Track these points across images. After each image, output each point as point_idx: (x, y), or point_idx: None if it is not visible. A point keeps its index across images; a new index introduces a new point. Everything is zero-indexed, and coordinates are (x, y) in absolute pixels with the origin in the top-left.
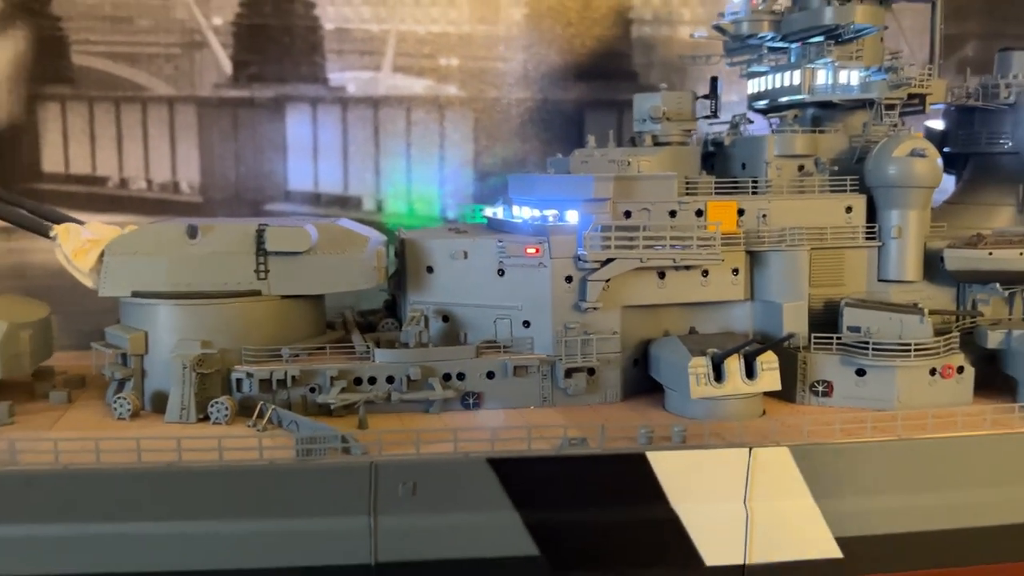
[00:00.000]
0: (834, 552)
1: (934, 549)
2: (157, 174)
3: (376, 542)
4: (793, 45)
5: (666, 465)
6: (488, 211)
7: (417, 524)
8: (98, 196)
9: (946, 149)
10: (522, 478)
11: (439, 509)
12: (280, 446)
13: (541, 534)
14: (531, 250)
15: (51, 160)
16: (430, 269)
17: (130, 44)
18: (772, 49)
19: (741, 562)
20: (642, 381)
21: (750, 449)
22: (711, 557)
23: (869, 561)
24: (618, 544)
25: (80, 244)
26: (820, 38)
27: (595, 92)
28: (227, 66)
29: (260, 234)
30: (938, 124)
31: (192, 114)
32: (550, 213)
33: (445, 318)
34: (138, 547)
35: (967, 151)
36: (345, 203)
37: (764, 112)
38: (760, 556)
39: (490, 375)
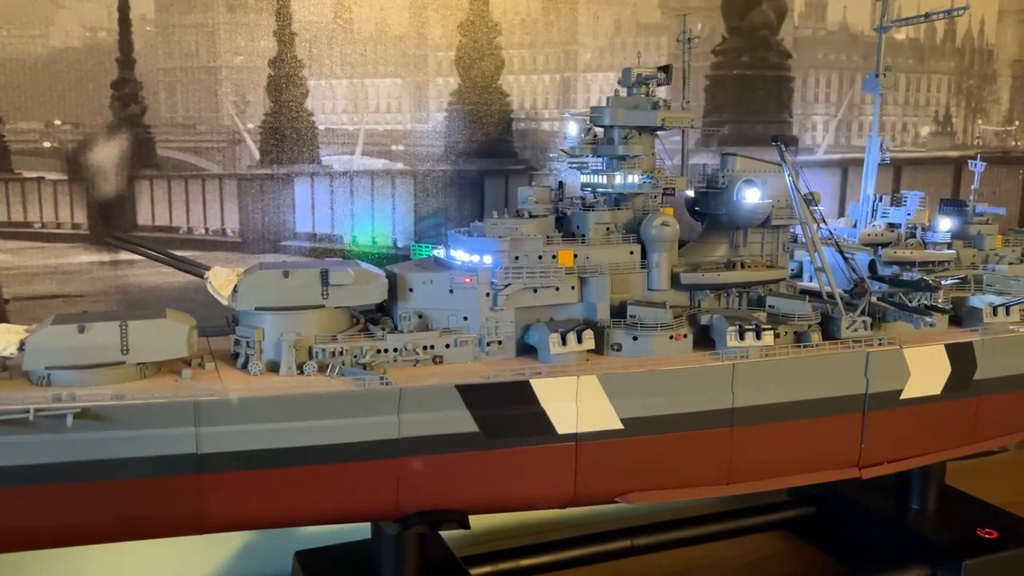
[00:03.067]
0: (619, 425)
1: (651, 425)
2: (212, 224)
3: (400, 427)
4: (604, 159)
5: (539, 385)
6: (435, 251)
7: (421, 417)
8: (173, 239)
9: (697, 208)
10: (470, 393)
11: (432, 410)
12: (348, 384)
13: (480, 421)
14: (468, 280)
15: (142, 216)
16: (411, 289)
17: (194, 141)
18: (593, 161)
19: (575, 431)
20: (525, 347)
21: (578, 376)
22: (560, 429)
23: (635, 429)
24: (517, 423)
25: (222, 281)
26: (617, 159)
27: (490, 165)
28: (256, 154)
29: (324, 274)
30: (691, 193)
31: (234, 185)
32: (475, 257)
33: (420, 316)
34: (295, 434)
35: (705, 211)
36: (332, 239)
37: (591, 193)
38: (584, 428)
39: (447, 346)
